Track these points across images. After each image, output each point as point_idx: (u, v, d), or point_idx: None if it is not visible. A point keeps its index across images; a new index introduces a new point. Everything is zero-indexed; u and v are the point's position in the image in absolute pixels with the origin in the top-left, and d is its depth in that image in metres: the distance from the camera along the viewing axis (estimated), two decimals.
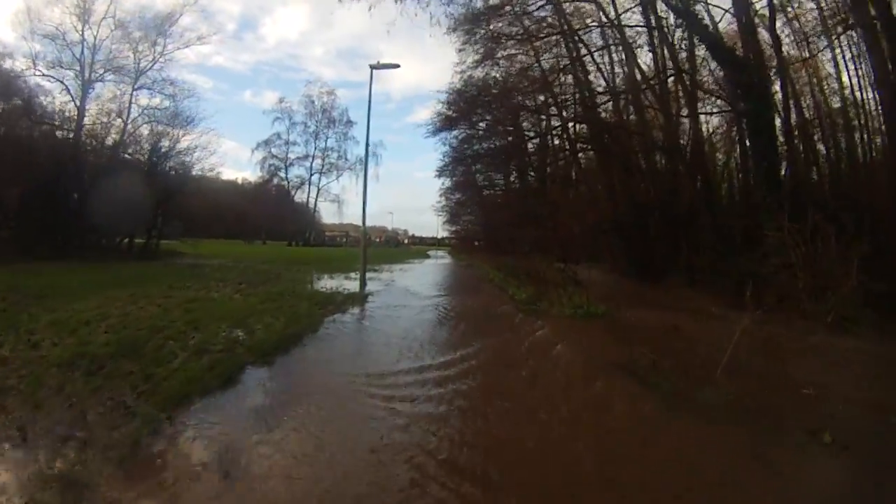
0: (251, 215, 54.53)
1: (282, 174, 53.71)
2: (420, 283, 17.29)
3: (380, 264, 23.88)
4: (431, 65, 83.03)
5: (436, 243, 74.41)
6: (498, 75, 17.79)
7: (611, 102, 16.16)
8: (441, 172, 34.34)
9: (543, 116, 20.33)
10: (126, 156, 20.93)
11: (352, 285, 13.62)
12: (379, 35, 76.94)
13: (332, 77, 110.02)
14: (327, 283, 14.19)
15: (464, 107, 19.90)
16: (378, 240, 74.71)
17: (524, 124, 23.04)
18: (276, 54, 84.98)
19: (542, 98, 18.53)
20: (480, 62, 17.51)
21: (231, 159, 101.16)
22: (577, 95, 16.68)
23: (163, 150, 20.38)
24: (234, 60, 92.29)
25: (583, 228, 14.29)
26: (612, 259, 16.65)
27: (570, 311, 8.33)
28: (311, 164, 53.41)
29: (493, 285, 15.80)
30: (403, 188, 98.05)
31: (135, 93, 21.88)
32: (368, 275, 16.60)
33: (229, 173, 62.32)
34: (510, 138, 27.35)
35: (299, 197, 54.94)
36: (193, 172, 21.69)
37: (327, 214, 58.05)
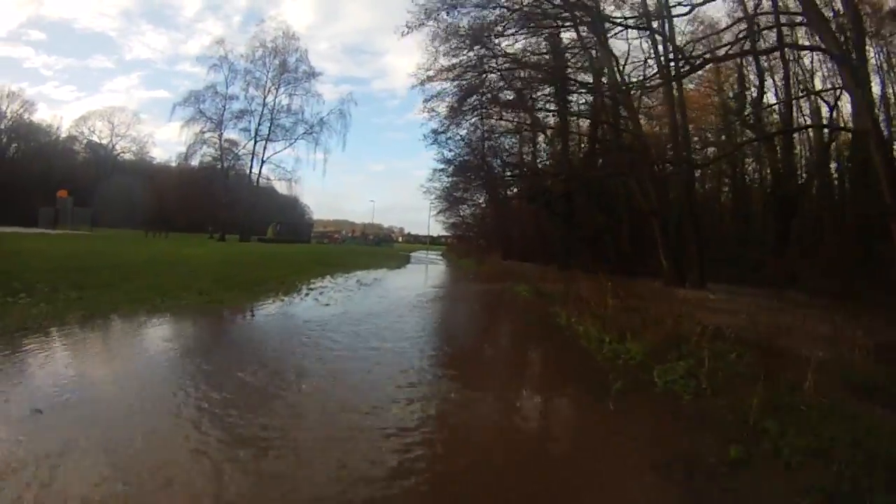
0: (182, 203, 40.87)
1: (215, 139, 38.25)
2: None
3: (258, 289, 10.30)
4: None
5: (430, 242, 60.79)
6: None
7: None
8: (435, 136, 20.75)
9: None
10: None
11: None
12: (385, 30, 70.92)
13: (336, 72, 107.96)
14: None
15: None
16: (351, 234, 61.14)
17: None
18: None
19: None
20: None
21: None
22: None
23: None
24: (238, 55, 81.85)
25: None
26: None
27: None
28: (258, 124, 38.22)
29: None
30: (403, 185, 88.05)
31: None
32: None
33: None
34: None
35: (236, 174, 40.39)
36: None
37: (321, 209, 44.73)
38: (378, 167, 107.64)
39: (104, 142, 49.51)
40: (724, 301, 10.57)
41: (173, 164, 45.85)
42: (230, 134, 38.43)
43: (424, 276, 21.79)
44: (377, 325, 7.41)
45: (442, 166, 26.28)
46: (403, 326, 7.60)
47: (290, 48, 38.94)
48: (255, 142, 38.21)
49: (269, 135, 38.41)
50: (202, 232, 38.77)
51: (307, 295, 10.32)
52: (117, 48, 71.70)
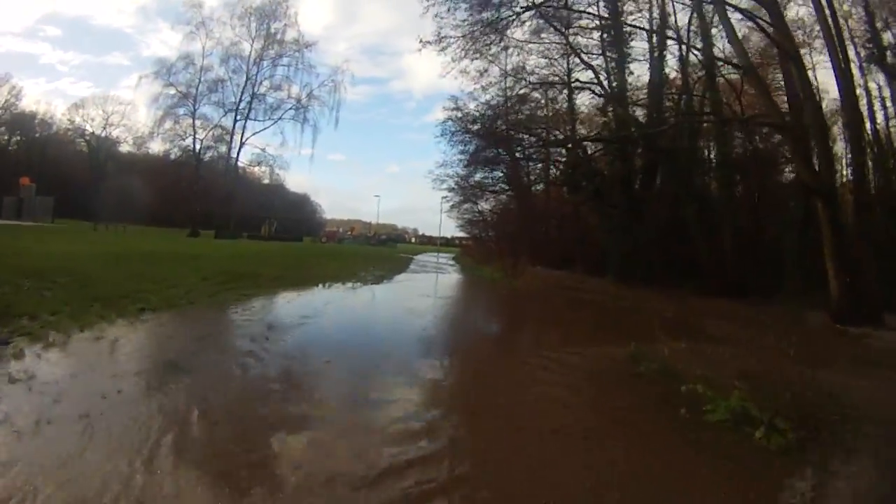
0: (156, 194, 35.52)
1: (185, 115, 33.32)
2: None
3: None
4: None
5: (442, 243, 55.58)
6: None
7: None
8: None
9: None
10: None
11: None
12: (404, 31, 73.46)
13: (354, 73, 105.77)
14: None
15: None
16: (350, 232, 55.59)
17: None
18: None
19: None
20: None
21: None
22: None
23: None
24: (218, 19, 79.31)
25: None
26: None
27: None
28: (238, 99, 32.95)
29: None
30: (418, 187, 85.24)
31: None
32: None
33: None
34: None
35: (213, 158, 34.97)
36: None
37: (335, 209, 40.68)
38: (394, 168, 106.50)
39: (97, 132, 45.22)
40: None
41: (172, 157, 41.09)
42: (206, 112, 33.51)
43: (415, 301, 10.99)
44: None
45: (455, 129, 20.33)
46: None
47: (278, 13, 33.66)
48: (235, 121, 32.76)
49: (248, 112, 32.99)
50: (185, 227, 33.39)
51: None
52: (134, 45, 70.02)
